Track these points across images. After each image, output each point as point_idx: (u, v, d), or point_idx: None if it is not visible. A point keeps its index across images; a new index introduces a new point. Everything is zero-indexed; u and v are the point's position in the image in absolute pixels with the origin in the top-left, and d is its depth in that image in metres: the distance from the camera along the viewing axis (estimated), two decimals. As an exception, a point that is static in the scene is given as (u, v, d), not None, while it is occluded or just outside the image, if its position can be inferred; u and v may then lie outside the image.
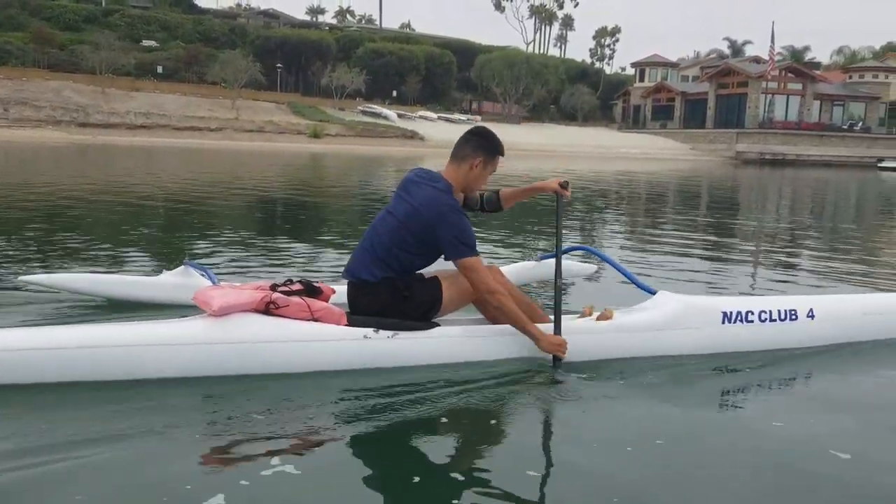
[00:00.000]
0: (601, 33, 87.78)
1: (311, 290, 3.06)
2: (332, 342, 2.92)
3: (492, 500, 2.05)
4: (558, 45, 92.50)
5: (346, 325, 2.98)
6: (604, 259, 3.70)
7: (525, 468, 2.23)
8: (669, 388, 3.02)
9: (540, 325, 3.12)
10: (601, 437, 2.47)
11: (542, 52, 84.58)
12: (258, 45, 62.16)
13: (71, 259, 5.41)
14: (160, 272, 4.10)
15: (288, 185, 15.99)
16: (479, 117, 60.20)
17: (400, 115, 56.00)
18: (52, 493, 1.96)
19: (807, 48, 78.70)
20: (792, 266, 6.63)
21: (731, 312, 3.41)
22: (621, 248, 7.38)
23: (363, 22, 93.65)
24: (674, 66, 73.65)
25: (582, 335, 3.22)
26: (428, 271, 3.21)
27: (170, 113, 47.26)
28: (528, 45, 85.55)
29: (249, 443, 2.31)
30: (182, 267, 3.97)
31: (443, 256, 3.11)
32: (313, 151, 38.22)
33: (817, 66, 72.41)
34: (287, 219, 9.85)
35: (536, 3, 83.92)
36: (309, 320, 2.92)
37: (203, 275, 3.81)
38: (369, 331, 2.97)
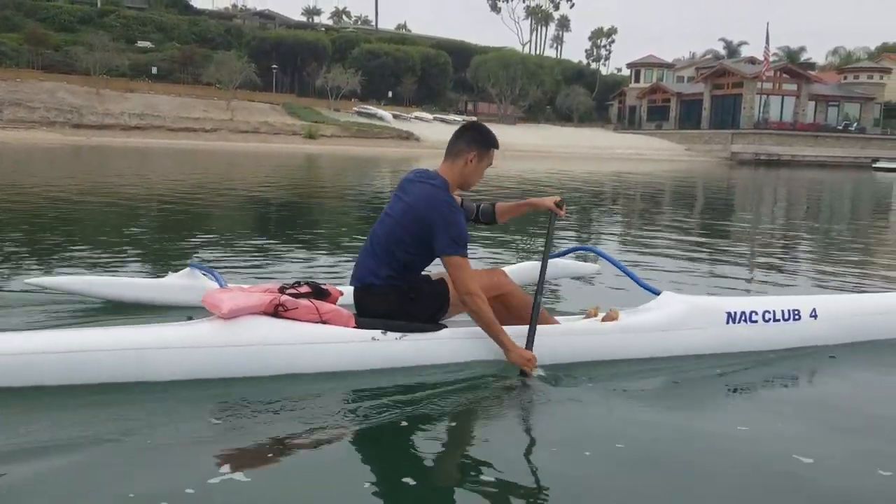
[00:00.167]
0: (597, 34, 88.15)
1: (319, 293, 3.07)
2: (341, 344, 2.93)
3: (501, 500, 2.06)
4: (554, 45, 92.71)
5: (354, 327, 2.99)
6: (608, 260, 3.69)
7: (533, 468, 2.25)
8: (672, 390, 3.04)
9: (544, 327, 3.11)
10: (601, 437, 2.47)
11: (537, 52, 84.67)
12: (254, 46, 62.08)
13: (71, 261, 5.39)
14: (164, 274, 4.10)
15: (287, 185, 15.96)
16: (474, 118, 60.15)
17: (395, 116, 55.90)
18: (58, 494, 1.97)
19: (802, 49, 78.61)
20: (792, 266, 6.65)
21: (735, 313, 3.43)
22: (621, 248, 7.41)
23: (359, 23, 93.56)
24: (669, 66, 73.78)
25: (588, 336, 3.24)
26: (435, 273, 3.21)
27: (164, 114, 47.10)
28: (524, 45, 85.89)
29: (259, 444, 2.32)
30: (188, 269, 3.97)
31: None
32: (308, 152, 38.17)
33: (812, 66, 72.59)
34: (287, 219, 9.83)
35: (532, 4, 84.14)
36: (318, 322, 2.93)
37: (210, 277, 3.81)
38: (377, 333, 2.98)
